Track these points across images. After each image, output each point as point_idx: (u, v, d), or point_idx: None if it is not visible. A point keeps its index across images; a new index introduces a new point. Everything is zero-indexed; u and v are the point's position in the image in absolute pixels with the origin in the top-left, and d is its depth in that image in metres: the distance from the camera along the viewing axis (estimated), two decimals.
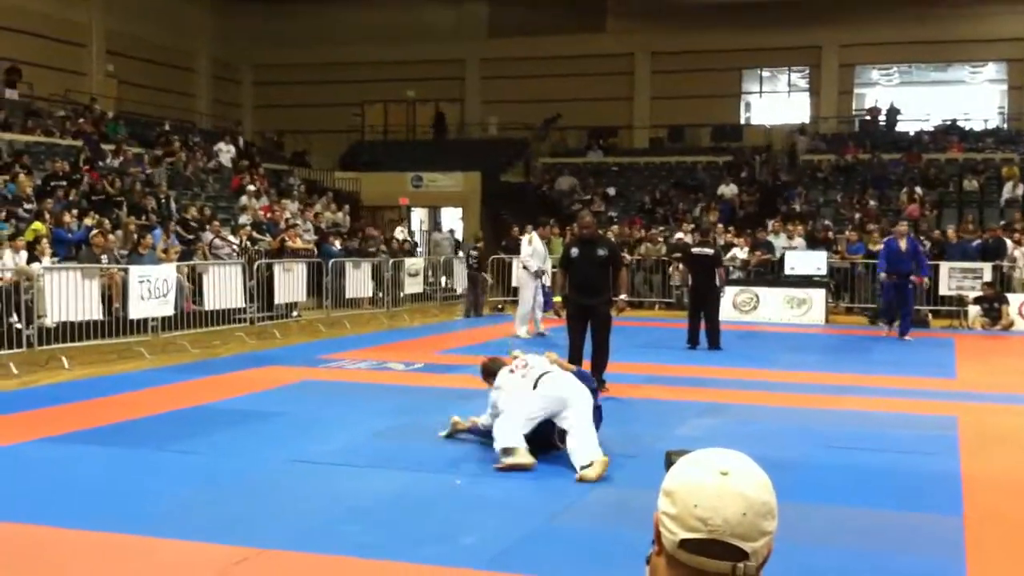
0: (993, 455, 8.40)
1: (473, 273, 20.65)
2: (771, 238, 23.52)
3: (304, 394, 11.17)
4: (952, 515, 6.47)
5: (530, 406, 7.80)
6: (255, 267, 17.27)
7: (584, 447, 7.49)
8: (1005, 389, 11.90)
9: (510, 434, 7.61)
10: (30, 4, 28.43)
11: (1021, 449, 8.68)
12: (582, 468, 7.33)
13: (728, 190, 28.22)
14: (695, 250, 16.02)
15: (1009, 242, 21.29)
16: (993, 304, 18.99)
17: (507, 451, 7.53)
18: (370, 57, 34.31)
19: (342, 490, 6.97)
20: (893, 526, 6.27)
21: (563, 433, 7.81)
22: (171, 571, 5.38)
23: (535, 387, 7.92)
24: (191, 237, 19.74)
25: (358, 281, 19.80)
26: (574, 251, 11.71)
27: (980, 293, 19.44)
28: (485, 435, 8.21)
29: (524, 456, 7.50)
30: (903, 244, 16.67)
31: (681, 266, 19.90)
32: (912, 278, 16.69)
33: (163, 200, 21.49)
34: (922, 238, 20.97)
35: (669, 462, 1.48)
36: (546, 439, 7.88)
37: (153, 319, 14.83)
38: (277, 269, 17.70)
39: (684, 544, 1.57)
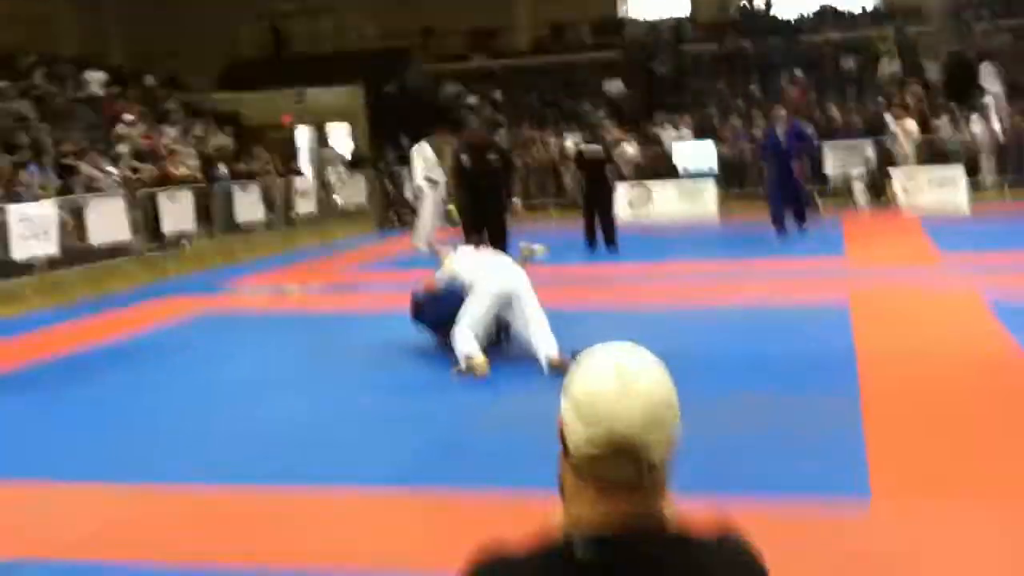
0: (884, 330, 8.67)
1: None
2: (658, 131, 23.67)
3: (204, 326, 10.97)
4: (848, 393, 6.65)
5: (483, 304, 7.94)
6: (138, 198, 16.77)
7: (547, 337, 7.76)
8: (891, 263, 12.27)
9: (470, 339, 7.79)
10: None
11: (910, 322, 8.95)
12: (549, 358, 7.61)
13: (613, 86, 28.22)
14: (584, 148, 16.01)
15: (888, 117, 21.64)
16: (876, 182, 19.50)
17: (468, 357, 7.72)
18: None
19: (248, 420, 6.91)
20: (792, 408, 6.44)
21: (507, 325, 8.11)
22: (72, 513, 5.29)
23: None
24: (69, 171, 19.04)
25: (248, 205, 19.42)
26: (465, 158, 11.69)
27: (863, 170, 19.90)
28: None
29: (481, 365, 7.68)
30: (780, 130, 16.21)
31: (573, 167, 19.89)
32: (792, 164, 15.89)
33: (36, 135, 20.64)
34: (804, 121, 21.20)
35: (575, 360, 1.49)
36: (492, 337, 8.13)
37: (37, 259, 14.34)
38: (162, 198, 17.23)
39: (588, 446, 1.56)
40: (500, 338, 8.34)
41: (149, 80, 28.87)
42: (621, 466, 1.55)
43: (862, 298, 9.99)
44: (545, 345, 7.75)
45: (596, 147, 15.73)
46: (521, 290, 8.02)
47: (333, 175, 24.22)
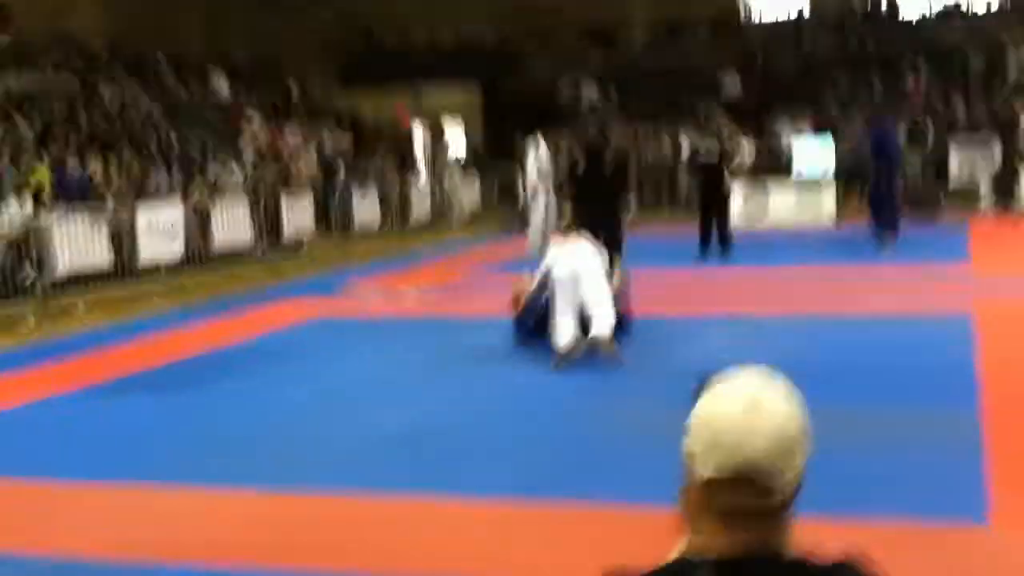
0: (1011, 343, 8.40)
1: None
2: (777, 129, 23.32)
3: (322, 329, 11.20)
4: (969, 409, 6.50)
5: (561, 291, 8.54)
6: (261, 202, 17.15)
7: (602, 316, 8.40)
8: (1021, 271, 11.86)
9: (564, 333, 8.39)
10: None
11: None
12: (598, 337, 8.34)
13: (730, 84, 27.86)
14: (700, 155, 15.85)
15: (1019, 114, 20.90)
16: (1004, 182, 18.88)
17: (561, 349, 8.37)
18: None
19: (367, 426, 7.03)
20: (910, 424, 6.30)
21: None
22: (200, 519, 5.45)
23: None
24: (193, 172, 19.59)
25: (366, 207, 19.73)
26: (580, 162, 11.69)
27: (990, 170, 19.30)
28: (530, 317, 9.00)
29: (573, 350, 8.32)
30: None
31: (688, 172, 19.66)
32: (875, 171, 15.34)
33: (164, 136, 21.32)
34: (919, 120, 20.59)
35: (697, 392, 1.51)
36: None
37: (163, 260, 14.80)
38: (284, 201, 17.62)
39: (713, 481, 1.57)
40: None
41: (273, 80, 29.55)
42: (747, 494, 1.56)
43: (988, 308, 9.70)
44: (597, 323, 8.32)
45: (711, 150, 15.53)
46: (583, 272, 8.54)
47: (448, 176, 24.37)
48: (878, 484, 5.33)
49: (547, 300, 8.72)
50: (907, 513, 4.91)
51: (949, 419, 6.38)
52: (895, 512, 4.91)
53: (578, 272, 8.56)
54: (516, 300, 9.37)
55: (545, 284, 8.81)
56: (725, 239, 15.04)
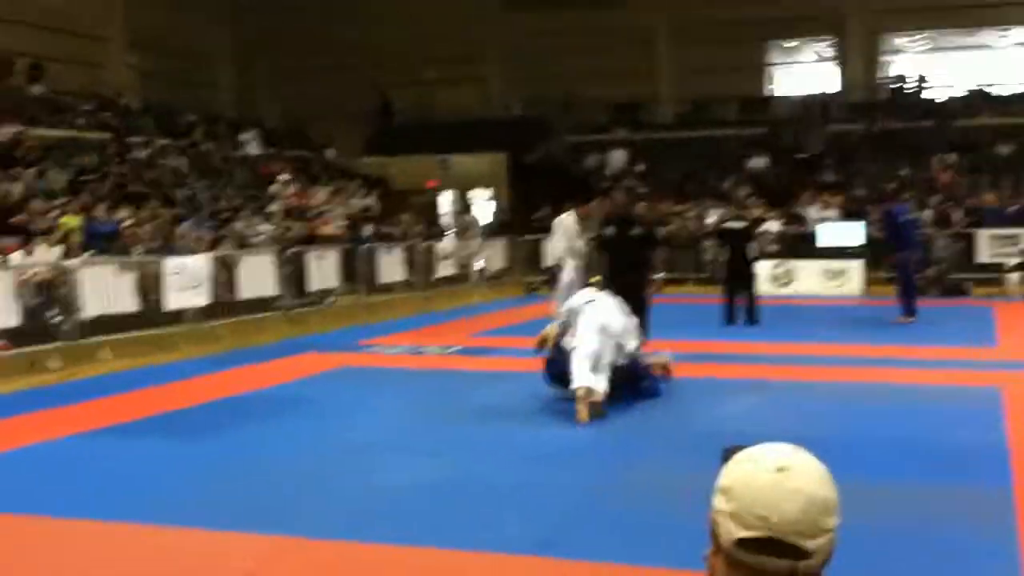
0: None
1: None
2: (804, 211, 23.32)
3: (342, 381, 11.19)
4: (1001, 488, 6.35)
5: (591, 341, 8.58)
6: (287, 255, 17.23)
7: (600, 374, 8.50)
8: None
9: (582, 371, 8.42)
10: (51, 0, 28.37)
11: None
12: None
13: (757, 163, 27.96)
14: (727, 224, 15.87)
15: None
16: None
17: (579, 390, 8.35)
18: (388, 39, 34.00)
19: (383, 477, 6.95)
20: (940, 501, 6.17)
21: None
22: (212, 563, 5.37)
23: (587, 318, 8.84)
24: (223, 226, 19.74)
25: (391, 266, 19.79)
26: (608, 230, 11.72)
27: (1019, 260, 19.24)
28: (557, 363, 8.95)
29: (580, 411, 8.26)
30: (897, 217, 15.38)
31: (714, 242, 19.67)
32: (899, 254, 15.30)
33: (193, 191, 21.52)
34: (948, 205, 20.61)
35: (725, 457, 1.49)
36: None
37: (189, 309, 14.85)
38: (309, 256, 17.69)
39: (742, 543, 1.54)
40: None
41: (302, 142, 29.92)
42: (778, 558, 1.53)
43: (1016, 387, 9.58)
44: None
45: (738, 223, 15.57)
46: (612, 328, 8.76)
47: (474, 240, 24.47)
48: (909, 559, 5.21)
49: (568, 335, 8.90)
50: None
51: (980, 495, 6.25)
52: None
53: (607, 326, 8.74)
54: (544, 342, 9.38)
55: (569, 321, 8.96)
56: (751, 311, 15.00)
